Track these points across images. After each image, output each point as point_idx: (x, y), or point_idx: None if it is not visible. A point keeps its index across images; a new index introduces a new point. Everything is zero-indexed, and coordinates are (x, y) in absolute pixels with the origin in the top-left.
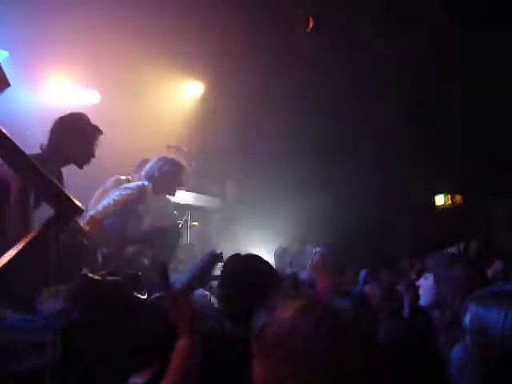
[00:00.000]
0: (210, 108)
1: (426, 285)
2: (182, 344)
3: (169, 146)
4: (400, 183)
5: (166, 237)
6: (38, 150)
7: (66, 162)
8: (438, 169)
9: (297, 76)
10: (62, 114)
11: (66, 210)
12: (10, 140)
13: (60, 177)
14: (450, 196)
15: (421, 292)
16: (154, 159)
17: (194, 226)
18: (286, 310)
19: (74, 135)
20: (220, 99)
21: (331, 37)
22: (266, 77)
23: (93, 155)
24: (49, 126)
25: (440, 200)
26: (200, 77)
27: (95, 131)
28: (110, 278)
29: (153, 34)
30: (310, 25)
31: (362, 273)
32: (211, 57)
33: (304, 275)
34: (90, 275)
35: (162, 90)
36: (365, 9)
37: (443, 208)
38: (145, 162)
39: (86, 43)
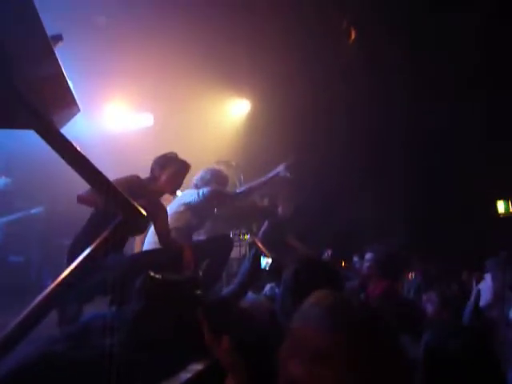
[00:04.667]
0: (256, 124)
1: (484, 285)
2: None
3: (218, 162)
4: (459, 189)
5: (218, 245)
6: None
7: (162, 190)
8: (500, 174)
9: (343, 92)
10: (160, 155)
11: (131, 217)
12: (79, 152)
13: (160, 203)
14: None
15: (481, 293)
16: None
17: (245, 239)
18: (305, 302)
19: (168, 172)
20: (266, 115)
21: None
22: (312, 92)
23: (181, 184)
24: (110, 149)
25: (502, 207)
26: (247, 95)
27: (184, 167)
28: (169, 277)
29: (202, 57)
30: (353, 36)
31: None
32: (257, 75)
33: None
34: (152, 274)
35: (210, 108)
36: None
37: (505, 216)
38: None
39: (139, 69)
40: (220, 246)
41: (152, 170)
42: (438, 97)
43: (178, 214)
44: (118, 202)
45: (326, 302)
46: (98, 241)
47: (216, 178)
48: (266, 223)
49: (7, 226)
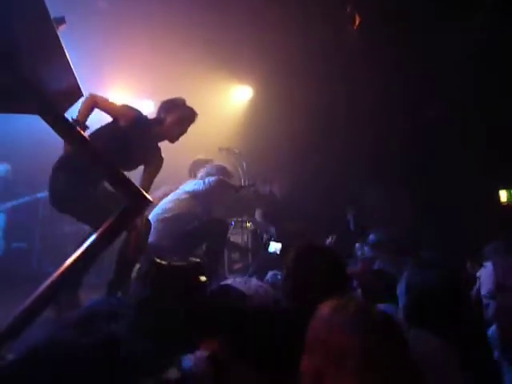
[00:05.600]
0: (259, 111)
1: (485, 273)
2: None
3: (220, 149)
4: (460, 176)
5: (214, 228)
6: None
7: (164, 134)
8: (502, 162)
9: (346, 77)
10: (166, 99)
11: (136, 201)
12: (86, 139)
13: (157, 148)
14: None
15: (481, 281)
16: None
17: (247, 227)
18: (324, 307)
19: (173, 116)
20: (268, 102)
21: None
22: (314, 78)
23: (185, 132)
24: None
25: (504, 196)
26: (249, 81)
27: (191, 113)
28: (175, 263)
29: (204, 43)
30: (357, 22)
31: None
32: (260, 62)
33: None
34: (158, 260)
35: (212, 95)
36: None
37: (508, 205)
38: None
39: (140, 55)
40: (215, 228)
41: (157, 113)
42: (440, 87)
43: (182, 201)
44: (126, 188)
45: (349, 310)
46: (102, 227)
47: (221, 174)
48: (259, 211)
49: (12, 211)
